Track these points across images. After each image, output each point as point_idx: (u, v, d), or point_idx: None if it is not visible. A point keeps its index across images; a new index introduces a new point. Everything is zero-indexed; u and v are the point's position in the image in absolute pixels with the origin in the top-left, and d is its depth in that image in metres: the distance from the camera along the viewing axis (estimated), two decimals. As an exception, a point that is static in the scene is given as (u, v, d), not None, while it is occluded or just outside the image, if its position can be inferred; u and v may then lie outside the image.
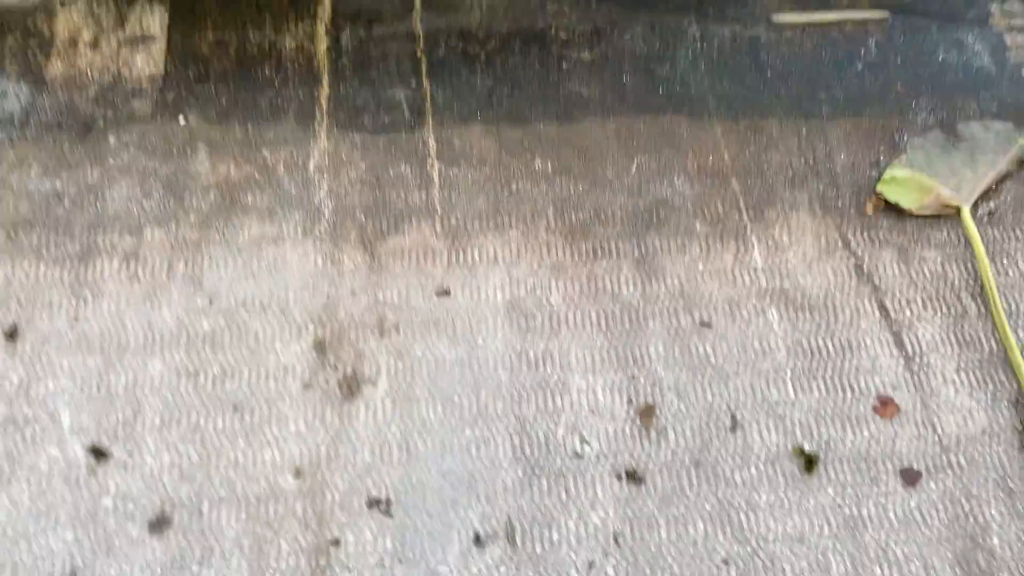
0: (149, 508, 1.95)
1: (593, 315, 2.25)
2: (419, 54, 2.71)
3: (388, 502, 1.98)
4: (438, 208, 2.42)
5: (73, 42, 2.66)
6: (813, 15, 2.83)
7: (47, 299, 2.21)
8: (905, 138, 2.58)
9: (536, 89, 2.67)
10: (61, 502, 1.95)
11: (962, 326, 2.27)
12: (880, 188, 2.45)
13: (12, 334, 2.15)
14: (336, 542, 1.93)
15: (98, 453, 2.01)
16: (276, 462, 2.02)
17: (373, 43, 2.73)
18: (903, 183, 2.43)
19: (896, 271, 2.34)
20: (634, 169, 2.52)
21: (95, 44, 2.66)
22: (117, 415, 2.06)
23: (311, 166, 2.48)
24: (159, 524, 1.93)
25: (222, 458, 2.02)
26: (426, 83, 2.66)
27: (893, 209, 2.44)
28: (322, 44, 2.72)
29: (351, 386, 2.13)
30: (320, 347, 2.18)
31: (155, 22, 2.74)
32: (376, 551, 1.93)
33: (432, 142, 2.55)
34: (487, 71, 2.70)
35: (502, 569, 1.91)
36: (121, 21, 2.73)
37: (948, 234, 2.41)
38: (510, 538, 1.95)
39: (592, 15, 2.84)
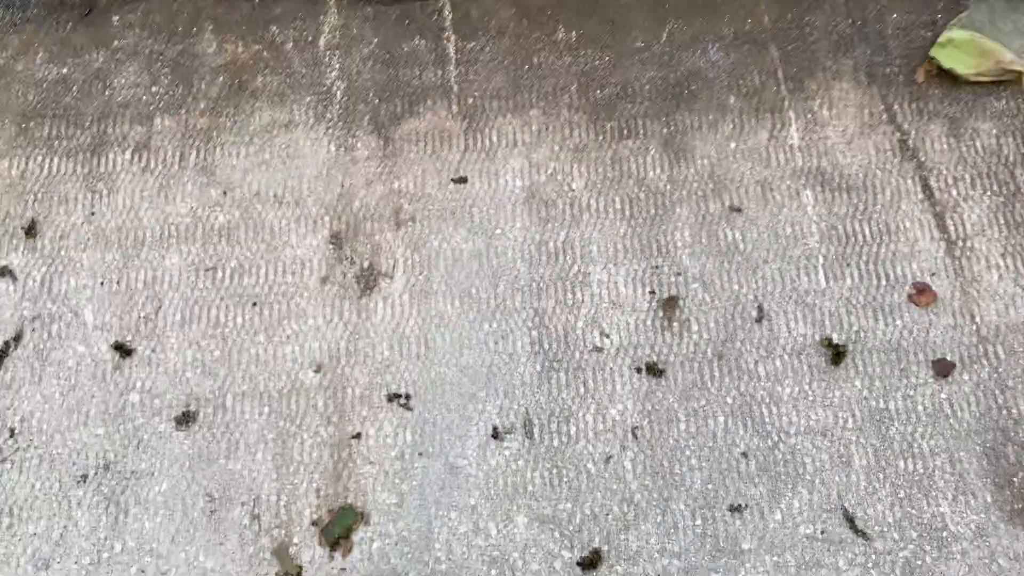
0: (175, 403, 2.00)
1: (617, 201, 2.16)
2: (433, -88, 2.51)
3: (408, 396, 1.99)
4: (454, 87, 2.30)
5: (68, -89, 2.52)
6: None
7: (63, 193, 2.19)
8: (968, -7, 2.34)
9: (560, -52, 2.46)
10: (90, 398, 2.00)
11: (1013, 206, 2.12)
12: (934, 52, 2.24)
13: (31, 230, 2.15)
14: (357, 436, 1.96)
15: (122, 349, 2.04)
16: (297, 357, 2.03)
17: (383, -100, 2.52)
18: (961, 46, 2.22)
19: (944, 146, 2.18)
20: (664, 37, 2.34)
21: (91, -87, 2.52)
22: (138, 311, 2.08)
23: (321, 43, 2.36)
24: (185, 419, 1.98)
25: (243, 354, 2.04)
26: (441, -55, 2.47)
27: (947, 76, 2.24)
28: (329, -96, 2.52)
29: (368, 280, 2.10)
30: (336, 240, 2.14)
31: None
32: (396, 444, 1.95)
33: (448, 11, 2.39)
34: (507, -71, 2.49)
35: (519, 462, 1.93)
36: None
37: (1007, 103, 2.22)
38: (528, 432, 1.96)
39: None
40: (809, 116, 2.23)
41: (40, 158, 2.23)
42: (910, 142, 2.18)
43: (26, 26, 2.38)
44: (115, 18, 2.38)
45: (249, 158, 2.22)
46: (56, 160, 2.22)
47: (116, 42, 2.36)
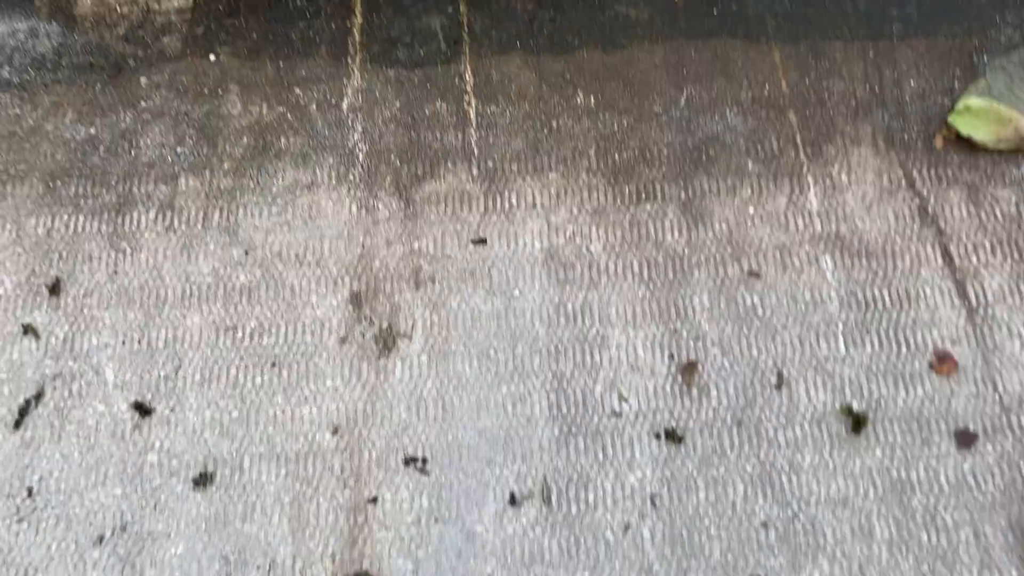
0: (192, 464, 2.00)
1: (635, 264, 2.17)
2: (456, -23, 2.56)
3: (424, 460, 1.99)
4: (474, 149, 2.33)
5: (100, -25, 2.59)
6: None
7: (87, 252, 2.22)
8: (985, 60, 2.36)
9: (580, 12, 2.50)
10: (108, 457, 2.00)
11: (1034, 274, 2.12)
12: (952, 119, 2.26)
13: (55, 288, 2.17)
14: (373, 500, 1.95)
15: (142, 409, 2.05)
16: (314, 419, 2.03)
17: (407, -34, 2.58)
18: (978, 113, 2.23)
19: (964, 213, 2.18)
20: (683, 102, 2.37)
21: (122, -24, 2.59)
22: (158, 370, 2.09)
23: (344, 105, 2.40)
24: (202, 480, 1.98)
25: (261, 414, 2.04)
26: (463, 8, 2.52)
27: (965, 143, 2.25)
28: (354, -31, 2.59)
29: (387, 341, 2.11)
30: (356, 300, 2.15)
31: (182, -51, 2.63)
32: (413, 509, 1.94)
33: (469, 76, 2.43)
34: (528, -6, 2.54)
35: (537, 530, 1.91)
36: (148, -51, 2.63)
37: (1026, 170, 2.23)
38: (545, 498, 1.94)
39: (642, -74, 2.62)
40: (828, 181, 2.24)
41: (66, 217, 2.26)
42: (929, 208, 2.19)
43: (56, 87, 2.43)
44: (143, 79, 2.44)
45: (272, 218, 2.25)
46: (81, 219, 2.26)
47: (143, 102, 2.40)
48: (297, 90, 2.41)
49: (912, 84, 2.35)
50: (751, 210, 2.22)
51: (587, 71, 2.42)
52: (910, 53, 2.39)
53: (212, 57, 2.46)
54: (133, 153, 2.34)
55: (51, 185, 2.30)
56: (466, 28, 2.49)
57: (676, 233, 2.20)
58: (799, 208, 2.21)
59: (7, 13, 2.53)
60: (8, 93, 2.41)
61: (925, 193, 2.21)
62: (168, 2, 2.54)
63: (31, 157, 2.32)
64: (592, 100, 2.38)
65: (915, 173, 2.23)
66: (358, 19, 2.51)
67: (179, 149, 2.34)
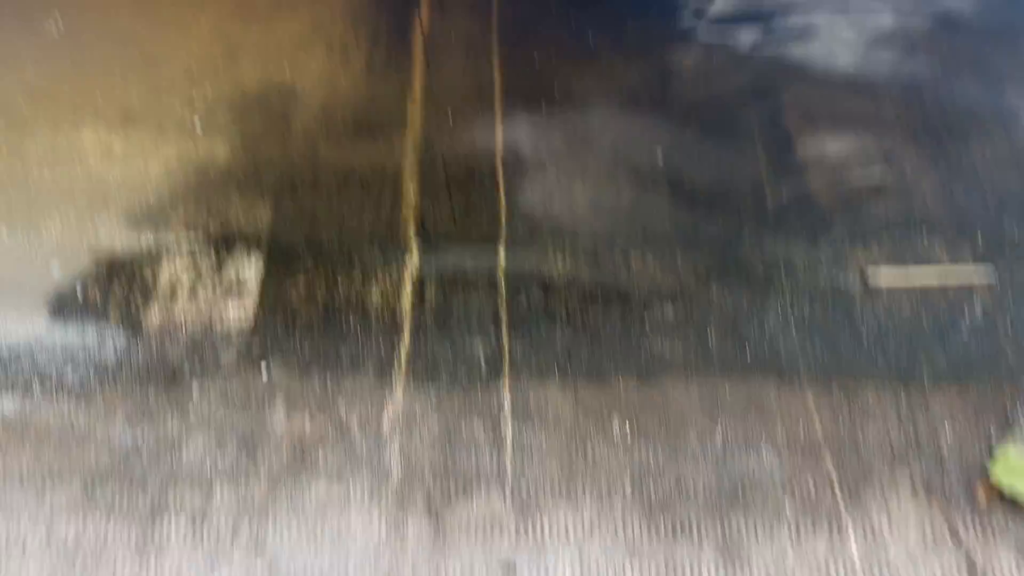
0: None
1: (670, 608, 2.07)
2: (500, 308, 2.72)
3: None
4: (509, 473, 2.33)
5: (172, 290, 2.79)
6: (912, 277, 2.72)
7: (111, 559, 2.18)
8: (1019, 412, 2.38)
9: (616, 347, 2.62)
10: None
11: (1100, 645, 1.98)
12: (993, 473, 2.23)
13: (71, 598, 2.12)
14: None
15: None
16: None
17: (457, 296, 2.76)
18: (1019, 470, 2.20)
19: (1016, 574, 2.09)
20: (718, 437, 2.39)
21: (192, 292, 2.79)
22: None
23: (384, 423, 2.45)
24: None
25: None
26: (505, 337, 2.65)
27: (1009, 499, 2.21)
28: (407, 297, 2.77)
29: None
30: (375, 629, 2.06)
31: (251, 270, 2.86)
32: None
33: (507, 399, 2.50)
34: (567, 326, 2.68)
35: None
36: (219, 268, 2.86)
37: (1075, 528, 2.16)
38: None
39: (677, 269, 2.81)
40: (869, 529, 2.18)
41: (98, 520, 2.25)
42: (979, 566, 2.10)
43: (113, 391, 2.53)
44: (195, 389, 2.54)
45: (301, 535, 2.22)
46: (112, 524, 2.24)
47: (192, 411, 2.48)
48: (341, 405, 2.49)
49: (947, 432, 2.36)
50: (790, 556, 2.14)
51: (623, 401, 2.48)
52: (942, 401, 2.43)
53: (264, 371, 2.58)
54: (174, 460, 2.38)
55: (89, 489, 2.32)
56: (507, 354, 2.60)
57: (713, 574, 2.12)
58: (840, 556, 2.14)
59: (81, 320, 2.71)
60: (67, 395, 2.51)
61: (972, 548, 2.13)
62: (230, 318, 2.72)
63: (76, 460, 2.37)
64: (628, 430, 2.41)
65: (959, 525, 2.18)
66: (406, 340, 2.64)
67: (219, 458, 2.38)
